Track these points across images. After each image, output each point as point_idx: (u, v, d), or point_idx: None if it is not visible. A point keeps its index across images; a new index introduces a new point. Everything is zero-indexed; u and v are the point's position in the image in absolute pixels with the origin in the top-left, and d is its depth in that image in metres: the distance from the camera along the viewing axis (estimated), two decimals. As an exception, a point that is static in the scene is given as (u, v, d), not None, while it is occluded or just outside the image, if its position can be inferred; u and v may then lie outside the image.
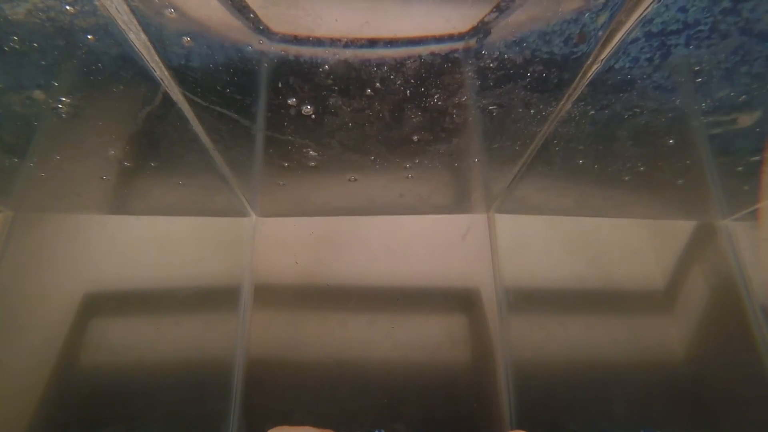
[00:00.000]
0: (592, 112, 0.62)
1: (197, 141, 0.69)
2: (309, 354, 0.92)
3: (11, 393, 0.84)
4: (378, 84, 0.55)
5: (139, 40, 0.48)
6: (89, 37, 0.47)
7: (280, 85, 0.55)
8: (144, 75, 0.53)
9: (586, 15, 0.46)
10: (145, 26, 0.47)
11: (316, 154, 0.72)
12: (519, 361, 0.91)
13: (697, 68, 0.53)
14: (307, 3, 0.44)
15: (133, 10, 0.44)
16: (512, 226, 1.04)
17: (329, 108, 0.60)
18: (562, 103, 0.61)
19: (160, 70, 0.53)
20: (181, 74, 0.54)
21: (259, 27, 0.47)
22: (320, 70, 0.53)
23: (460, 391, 0.90)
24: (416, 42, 0.49)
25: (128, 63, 0.51)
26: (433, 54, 0.51)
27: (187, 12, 0.45)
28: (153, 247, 0.99)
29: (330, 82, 0.55)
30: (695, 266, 1.02)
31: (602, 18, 0.47)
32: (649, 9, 0.45)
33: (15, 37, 0.46)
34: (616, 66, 0.53)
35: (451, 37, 0.49)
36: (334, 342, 0.93)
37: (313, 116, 0.61)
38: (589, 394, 0.90)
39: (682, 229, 1.05)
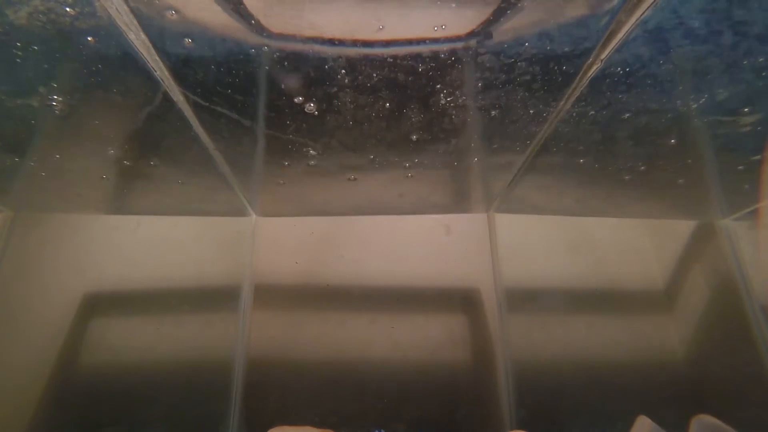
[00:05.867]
0: (592, 112, 0.62)
1: (197, 141, 0.69)
2: (309, 354, 0.92)
3: (11, 392, 0.84)
4: (378, 84, 0.55)
5: (139, 40, 0.48)
6: (89, 38, 0.47)
7: (280, 85, 0.55)
8: (144, 75, 0.53)
9: (588, 16, 0.46)
10: (146, 26, 0.47)
11: (316, 153, 0.72)
12: (519, 361, 0.91)
13: (697, 68, 0.53)
14: (308, 3, 0.45)
15: (134, 11, 0.44)
16: (512, 226, 1.04)
17: (329, 108, 0.60)
18: (562, 103, 0.61)
19: (160, 70, 0.53)
20: (181, 74, 0.54)
21: (259, 28, 0.47)
22: (320, 70, 0.53)
23: (460, 391, 0.90)
24: (416, 42, 0.49)
25: (128, 63, 0.51)
26: (433, 54, 0.51)
27: (188, 12, 0.45)
28: (153, 246, 0.99)
29: (330, 82, 0.55)
30: (695, 266, 1.02)
31: (603, 18, 0.47)
32: (649, 9, 0.45)
33: (16, 41, 0.46)
34: (616, 66, 0.53)
35: (451, 38, 0.49)
36: (334, 342, 0.93)
37: (314, 116, 0.61)
38: (589, 394, 0.90)
39: (682, 229, 1.05)
